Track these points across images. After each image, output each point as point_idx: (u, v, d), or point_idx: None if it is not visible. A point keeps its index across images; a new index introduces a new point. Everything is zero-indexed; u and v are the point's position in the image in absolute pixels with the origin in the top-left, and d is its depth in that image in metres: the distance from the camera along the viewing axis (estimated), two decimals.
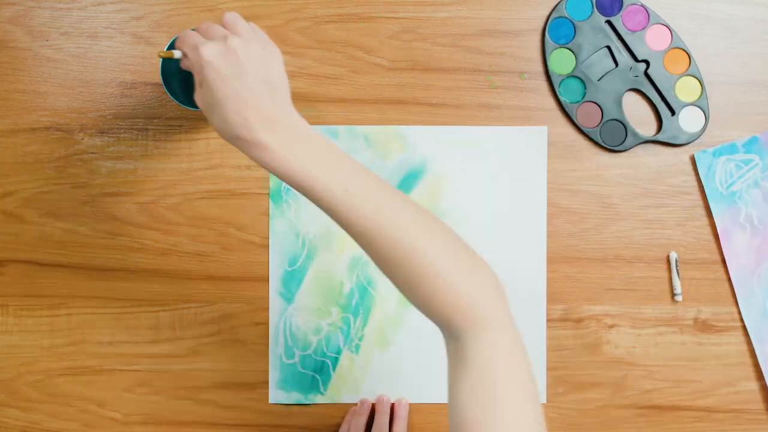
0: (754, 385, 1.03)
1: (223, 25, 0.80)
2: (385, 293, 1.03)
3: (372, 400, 1.03)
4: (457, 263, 0.77)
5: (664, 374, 1.04)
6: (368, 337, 1.04)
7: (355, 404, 1.03)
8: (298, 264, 1.03)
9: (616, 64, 1.03)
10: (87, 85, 1.04)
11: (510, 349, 0.76)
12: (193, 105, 0.95)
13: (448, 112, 1.04)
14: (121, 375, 1.04)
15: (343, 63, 1.04)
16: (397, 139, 1.04)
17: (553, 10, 1.04)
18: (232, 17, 0.80)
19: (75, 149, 1.04)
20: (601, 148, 1.04)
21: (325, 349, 1.04)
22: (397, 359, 1.04)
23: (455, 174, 1.04)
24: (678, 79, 1.03)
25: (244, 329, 1.04)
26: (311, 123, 1.02)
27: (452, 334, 0.77)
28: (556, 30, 1.04)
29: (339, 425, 1.04)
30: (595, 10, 1.03)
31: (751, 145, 1.03)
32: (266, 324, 1.04)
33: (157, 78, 1.02)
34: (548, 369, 1.03)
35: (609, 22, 1.03)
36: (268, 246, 1.04)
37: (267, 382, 1.04)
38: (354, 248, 1.03)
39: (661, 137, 1.03)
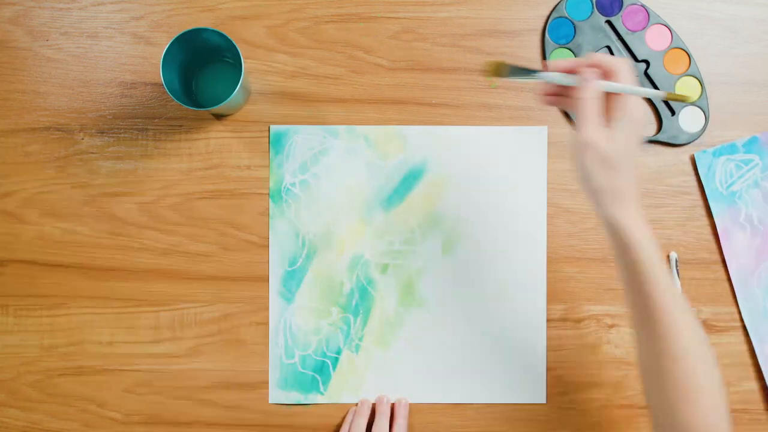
0: (754, 385, 1.03)
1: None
2: (385, 293, 1.04)
3: (372, 400, 1.03)
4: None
5: None
6: (368, 337, 1.04)
7: (355, 404, 1.03)
8: (298, 264, 1.04)
9: None
10: (87, 85, 1.04)
11: None
12: (193, 105, 0.95)
13: (448, 112, 1.04)
14: (121, 375, 1.04)
15: (343, 63, 1.04)
16: (397, 139, 1.04)
17: (553, 10, 1.04)
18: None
19: (75, 149, 1.04)
20: None
21: (325, 349, 1.04)
22: (397, 359, 1.04)
23: (455, 174, 1.04)
24: (678, 79, 1.03)
25: (244, 329, 1.04)
26: (311, 123, 1.03)
27: None
28: (556, 30, 1.04)
29: (339, 425, 1.04)
30: (595, 10, 1.03)
31: (751, 145, 1.03)
32: (266, 324, 1.04)
33: (158, 78, 1.02)
34: (548, 369, 1.03)
35: (609, 22, 1.03)
36: (268, 246, 1.04)
37: (267, 382, 1.04)
38: (354, 248, 1.03)
39: (661, 137, 1.03)
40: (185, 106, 0.94)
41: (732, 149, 1.03)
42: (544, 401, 1.03)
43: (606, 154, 0.81)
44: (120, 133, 1.04)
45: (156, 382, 1.04)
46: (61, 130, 1.04)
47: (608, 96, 0.83)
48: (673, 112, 1.03)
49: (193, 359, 1.04)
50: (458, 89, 1.04)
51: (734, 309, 1.03)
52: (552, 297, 1.04)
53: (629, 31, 1.03)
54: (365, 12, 1.04)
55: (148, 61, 1.04)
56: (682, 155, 1.04)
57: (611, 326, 1.04)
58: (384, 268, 1.04)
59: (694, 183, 1.04)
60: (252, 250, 1.04)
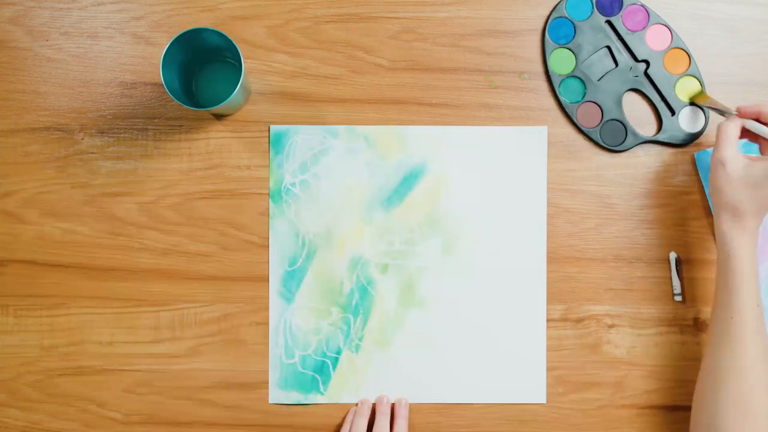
0: None
1: None
2: (385, 293, 1.04)
3: (372, 400, 1.03)
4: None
5: (664, 374, 1.03)
6: (368, 337, 1.04)
7: (355, 404, 1.03)
8: (298, 264, 1.03)
9: (616, 64, 1.03)
10: (87, 85, 1.04)
11: None
12: (193, 105, 0.95)
13: (448, 112, 1.04)
14: (121, 375, 1.04)
15: (343, 63, 1.04)
16: (397, 139, 1.04)
17: (553, 10, 1.04)
18: None
19: (75, 149, 1.04)
20: (601, 148, 1.04)
21: (325, 349, 1.04)
22: (397, 359, 1.04)
23: (455, 174, 1.04)
24: (678, 79, 1.03)
25: (244, 329, 1.04)
26: (311, 123, 1.03)
27: None
28: (556, 30, 1.04)
29: (339, 425, 1.03)
30: (595, 10, 1.03)
31: (750, 145, 1.03)
32: (266, 324, 1.04)
33: (158, 78, 1.02)
34: (548, 369, 1.03)
35: (609, 22, 1.03)
36: (268, 246, 1.04)
37: (267, 382, 1.04)
38: (354, 248, 1.03)
39: (661, 137, 1.03)
40: (185, 106, 0.94)
41: None
42: (544, 401, 1.03)
43: (736, 177, 0.93)
44: (120, 133, 1.04)
45: (156, 382, 1.04)
46: (61, 130, 1.04)
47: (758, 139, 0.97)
48: (673, 112, 1.03)
49: (193, 359, 1.04)
50: (458, 89, 1.04)
51: None
52: (552, 297, 1.04)
53: (629, 31, 1.03)
54: (365, 12, 1.04)
55: (148, 61, 1.04)
56: (682, 155, 1.04)
57: (611, 326, 1.04)
58: (384, 268, 1.04)
59: (694, 183, 1.04)
60: (252, 250, 1.04)
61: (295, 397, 1.03)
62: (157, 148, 1.04)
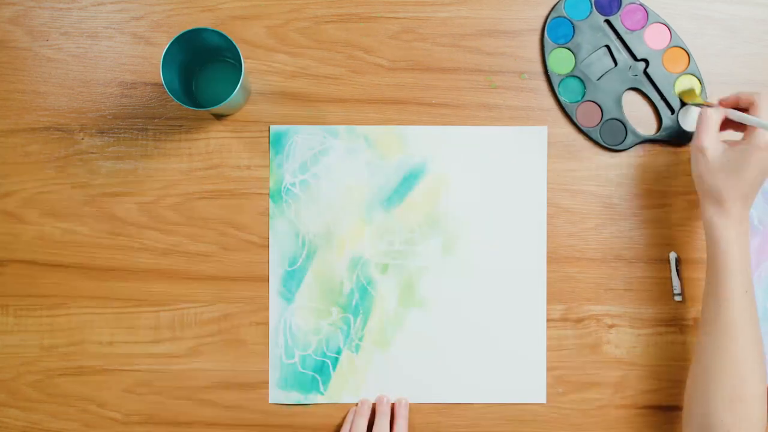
0: None
1: None
2: (385, 293, 1.03)
3: (372, 400, 1.03)
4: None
5: (664, 374, 1.03)
6: (368, 337, 1.04)
7: (355, 404, 1.03)
8: (298, 264, 1.03)
9: (616, 63, 1.03)
10: (87, 85, 1.04)
11: None
12: (193, 105, 0.95)
13: (448, 112, 1.04)
14: (121, 375, 1.04)
15: (343, 63, 1.04)
16: (397, 139, 1.04)
17: (551, 9, 1.04)
18: None
19: (75, 149, 1.04)
20: (601, 147, 1.04)
21: (325, 349, 1.04)
22: (397, 359, 1.04)
23: (455, 174, 1.04)
24: (677, 77, 1.03)
25: (244, 329, 1.04)
26: (311, 123, 1.03)
27: None
28: (555, 30, 1.04)
29: (339, 425, 1.03)
30: (594, 9, 1.03)
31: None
32: (266, 324, 1.04)
33: (158, 78, 1.02)
34: (548, 369, 1.03)
35: (608, 22, 1.03)
36: (268, 246, 1.04)
37: (267, 382, 1.04)
38: (354, 248, 1.03)
39: (661, 136, 1.03)
40: (185, 106, 0.94)
41: None
42: (544, 401, 1.03)
43: (715, 163, 0.93)
44: (120, 133, 1.04)
45: (156, 382, 1.04)
46: (61, 130, 1.04)
47: (746, 127, 0.95)
48: (672, 111, 1.03)
49: (193, 359, 1.04)
50: (458, 89, 1.04)
51: None
52: (552, 297, 1.04)
53: (628, 30, 1.03)
54: (365, 12, 1.05)
55: (148, 61, 1.04)
56: (682, 155, 1.04)
57: (611, 326, 1.04)
58: (384, 268, 1.04)
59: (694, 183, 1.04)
60: (252, 250, 1.04)
61: (295, 397, 1.03)
62: (157, 148, 1.04)
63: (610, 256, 1.04)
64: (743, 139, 0.94)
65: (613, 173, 1.04)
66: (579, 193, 1.04)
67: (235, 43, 0.93)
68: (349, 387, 1.04)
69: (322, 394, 1.03)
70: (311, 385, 1.03)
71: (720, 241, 0.92)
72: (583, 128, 1.03)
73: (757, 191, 0.94)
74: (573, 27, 1.03)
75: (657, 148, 1.04)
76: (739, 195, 0.92)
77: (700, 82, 1.03)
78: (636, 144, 1.03)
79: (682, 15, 1.04)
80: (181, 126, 1.04)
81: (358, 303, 1.04)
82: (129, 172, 1.04)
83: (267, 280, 1.04)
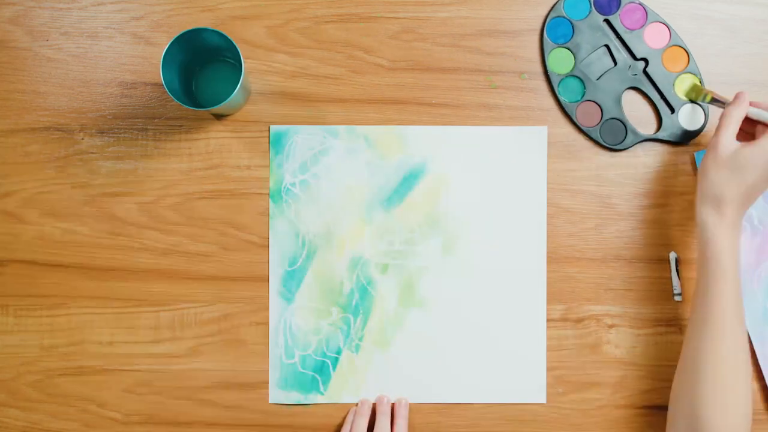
0: (754, 385, 1.03)
1: None
2: (385, 293, 1.03)
3: (372, 400, 1.03)
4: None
5: (664, 374, 1.03)
6: (368, 337, 1.04)
7: (355, 404, 1.03)
8: (298, 264, 1.04)
9: (615, 62, 1.03)
10: (87, 85, 1.04)
11: None
12: (193, 105, 0.95)
13: (448, 112, 1.04)
14: (121, 375, 1.04)
15: (343, 63, 1.04)
16: (397, 139, 1.04)
17: (551, 9, 1.04)
18: None
19: (75, 149, 1.04)
20: (601, 147, 1.04)
21: (325, 349, 1.04)
22: (397, 359, 1.04)
23: (455, 174, 1.04)
24: (677, 76, 1.03)
25: (244, 329, 1.04)
26: (311, 123, 1.03)
27: None
28: (555, 29, 1.04)
29: (339, 425, 1.03)
30: (593, 9, 1.03)
31: None
32: (266, 324, 1.04)
33: (158, 78, 1.02)
34: (548, 369, 1.03)
35: (607, 21, 1.03)
36: (268, 246, 1.04)
37: (267, 382, 1.04)
38: (354, 248, 1.03)
39: (661, 135, 1.03)
40: (185, 106, 0.94)
41: None
42: (544, 401, 1.03)
43: (723, 160, 0.93)
44: (120, 133, 1.04)
45: (156, 382, 1.04)
46: (61, 130, 1.04)
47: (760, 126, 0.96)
48: (672, 110, 1.03)
49: (193, 359, 1.04)
50: (458, 89, 1.04)
51: None
52: (552, 297, 1.04)
53: (627, 30, 1.03)
54: (365, 12, 1.05)
55: (148, 61, 1.04)
56: (682, 155, 1.04)
57: (611, 326, 1.04)
58: (384, 268, 1.04)
59: (694, 183, 1.04)
60: (252, 250, 1.04)
61: (295, 397, 1.03)
62: (157, 148, 1.04)
63: (610, 256, 1.04)
64: (756, 139, 0.95)
65: (613, 173, 1.04)
66: (579, 193, 1.04)
67: (235, 43, 0.93)
68: (349, 387, 1.04)
69: (322, 394, 1.03)
70: (311, 385, 1.03)
71: (711, 242, 0.92)
72: (583, 128, 1.03)
73: (756, 198, 0.94)
74: (572, 27, 1.04)
75: (657, 148, 1.04)
76: (738, 197, 0.92)
77: (700, 82, 1.03)
78: (636, 143, 1.03)
79: (681, 15, 1.04)
80: (181, 126, 1.04)
81: (358, 303, 1.04)
82: (129, 172, 1.04)
83: (267, 280, 1.04)
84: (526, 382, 1.03)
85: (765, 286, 1.03)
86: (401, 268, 1.04)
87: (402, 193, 1.04)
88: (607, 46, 1.03)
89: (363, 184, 1.04)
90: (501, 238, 1.04)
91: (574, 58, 1.03)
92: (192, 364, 1.04)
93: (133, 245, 1.04)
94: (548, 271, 1.04)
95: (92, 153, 1.04)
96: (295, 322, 1.03)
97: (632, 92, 1.04)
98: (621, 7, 1.03)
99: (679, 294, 1.03)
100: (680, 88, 1.04)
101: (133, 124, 1.04)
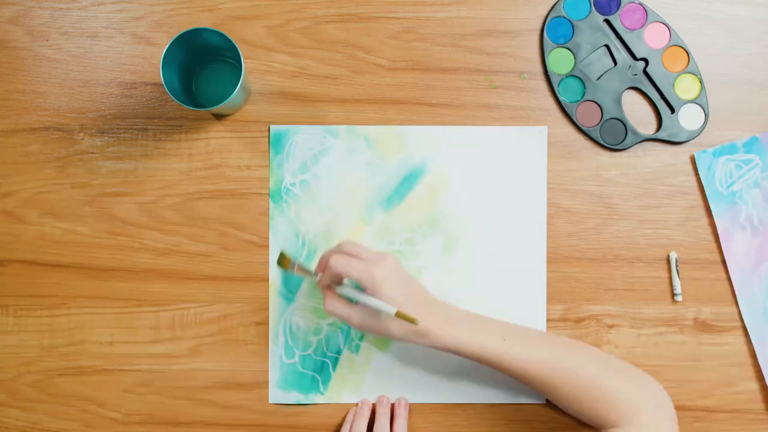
0: (754, 385, 1.03)
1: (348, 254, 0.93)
2: None
3: (372, 400, 1.03)
4: (616, 374, 0.92)
5: (664, 374, 1.03)
6: (368, 337, 1.04)
7: (355, 404, 1.03)
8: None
9: (615, 62, 1.03)
10: (87, 85, 1.04)
11: None
12: (193, 105, 0.95)
13: (448, 112, 1.04)
14: (121, 375, 1.04)
15: (343, 63, 1.04)
16: (398, 139, 1.04)
17: (551, 9, 1.04)
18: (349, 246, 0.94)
19: (75, 149, 1.04)
20: (601, 147, 1.04)
21: (325, 349, 1.04)
22: (397, 359, 1.04)
23: (455, 174, 1.04)
24: (677, 76, 1.03)
25: (244, 329, 1.04)
26: (311, 123, 1.03)
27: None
28: (555, 29, 1.04)
29: (339, 425, 1.03)
30: (593, 9, 1.03)
31: (751, 145, 1.03)
32: (266, 324, 1.04)
33: (158, 78, 1.03)
34: None
35: (607, 21, 1.03)
36: (268, 246, 1.04)
37: (267, 382, 1.03)
38: None
39: (661, 135, 1.03)
40: (185, 106, 0.94)
41: (732, 149, 1.03)
42: (544, 401, 1.03)
43: (365, 321, 0.92)
44: (120, 133, 1.04)
45: (156, 382, 1.04)
46: (61, 130, 1.04)
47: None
48: (672, 110, 1.03)
49: (193, 359, 1.04)
50: (458, 89, 1.04)
51: (734, 309, 1.03)
52: (552, 297, 1.04)
53: (627, 30, 1.03)
54: (365, 12, 1.05)
55: (148, 61, 1.04)
56: (682, 155, 1.04)
57: (611, 326, 1.03)
58: None
59: (694, 183, 1.04)
60: (252, 250, 1.04)
61: (295, 397, 1.03)
62: (157, 148, 1.04)
63: (610, 256, 1.04)
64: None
65: (613, 173, 1.04)
66: (579, 193, 1.04)
67: (235, 43, 0.93)
68: (349, 387, 1.04)
69: (322, 394, 1.03)
70: (311, 385, 1.03)
71: (458, 345, 0.90)
72: (583, 128, 1.03)
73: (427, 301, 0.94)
74: (572, 27, 1.04)
75: (657, 147, 1.04)
76: (426, 317, 0.90)
77: (700, 80, 1.03)
78: (636, 143, 1.03)
79: (681, 15, 1.04)
80: (181, 126, 1.04)
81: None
82: (129, 172, 1.04)
83: (267, 280, 1.04)
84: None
85: (765, 286, 1.03)
86: None
87: (402, 193, 1.04)
88: (607, 46, 1.03)
89: (363, 184, 1.04)
90: (501, 238, 1.04)
91: (574, 58, 1.03)
92: (192, 364, 1.04)
93: (133, 245, 1.04)
94: (548, 271, 1.04)
95: (92, 153, 1.04)
96: (295, 322, 1.03)
97: (632, 92, 1.04)
98: (621, 7, 1.03)
99: (680, 294, 1.03)
100: (682, 89, 1.04)
101: (133, 124, 1.04)
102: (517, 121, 1.04)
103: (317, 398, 1.03)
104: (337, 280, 0.93)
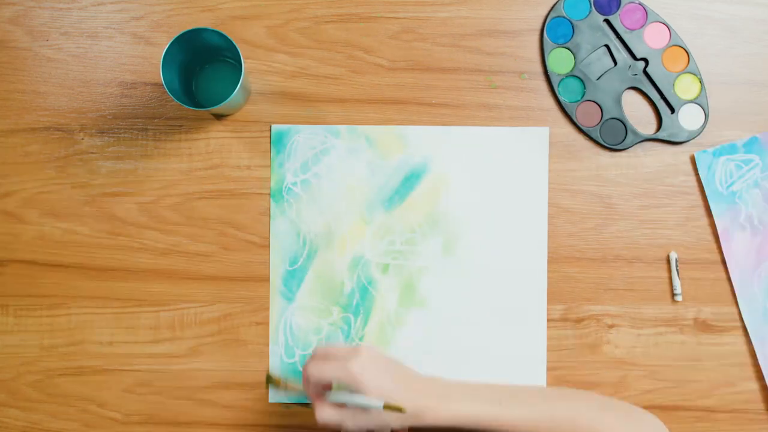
0: (754, 385, 1.03)
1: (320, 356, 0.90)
2: (386, 293, 1.03)
3: None
4: (613, 415, 0.91)
5: (664, 374, 1.03)
6: (368, 337, 1.04)
7: None
8: (299, 263, 1.03)
9: (615, 62, 1.03)
10: (87, 85, 1.04)
11: None
12: (193, 105, 0.95)
13: (448, 112, 1.04)
14: (121, 375, 1.04)
15: (343, 63, 1.04)
16: (398, 139, 1.04)
17: (551, 9, 1.04)
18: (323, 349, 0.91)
19: (75, 149, 1.04)
20: (601, 147, 1.04)
21: None
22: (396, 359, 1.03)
23: (456, 174, 1.04)
24: (677, 76, 1.03)
25: (244, 329, 1.04)
26: (311, 123, 1.03)
27: None
28: (555, 29, 1.04)
29: None
30: (593, 9, 1.04)
31: (751, 145, 1.03)
32: (266, 324, 1.04)
33: (158, 78, 1.03)
34: (548, 369, 1.03)
35: (607, 21, 1.03)
36: (268, 246, 1.04)
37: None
38: (355, 248, 1.03)
39: (661, 135, 1.03)
40: (185, 106, 0.94)
41: (732, 149, 1.03)
42: None
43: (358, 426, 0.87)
44: (120, 133, 1.04)
45: (156, 382, 1.04)
46: (61, 130, 1.04)
47: None
48: (672, 110, 1.03)
49: (193, 359, 1.04)
50: (458, 89, 1.04)
51: (734, 309, 1.03)
52: (552, 297, 1.04)
53: (627, 30, 1.03)
54: (365, 12, 1.05)
55: (148, 61, 1.04)
56: (682, 155, 1.04)
57: (611, 326, 1.03)
58: (385, 268, 1.04)
59: (694, 183, 1.04)
60: (252, 250, 1.04)
61: (295, 396, 1.03)
62: (157, 148, 1.04)
63: (610, 256, 1.04)
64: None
65: (613, 173, 1.04)
66: (579, 193, 1.04)
67: (235, 43, 0.93)
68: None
69: None
70: None
71: (456, 418, 0.88)
72: (583, 128, 1.03)
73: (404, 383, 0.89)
74: (572, 27, 1.04)
75: (657, 147, 1.04)
76: (413, 399, 0.87)
77: (699, 80, 1.03)
78: (636, 143, 1.03)
79: (681, 15, 1.04)
80: (181, 126, 1.04)
81: (358, 303, 1.04)
82: (129, 172, 1.04)
83: (267, 280, 1.04)
84: (526, 382, 1.03)
85: (765, 286, 1.03)
86: (402, 268, 1.04)
87: (403, 193, 1.04)
88: (607, 46, 1.03)
89: (364, 183, 1.04)
90: (501, 238, 1.04)
91: (574, 58, 1.03)
92: (192, 364, 1.04)
93: (132, 245, 1.04)
94: (548, 271, 1.04)
95: (92, 153, 1.04)
96: (295, 322, 1.03)
97: (632, 92, 1.04)
98: (621, 7, 1.03)
99: (680, 294, 1.03)
100: (682, 89, 1.03)
101: (133, 124, 1.04)
102: (517, 122, 1.04)
103: None
104: (325, 387, 0.89)
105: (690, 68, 1.03)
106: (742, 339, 1.03)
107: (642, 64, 1.03)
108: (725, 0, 1.05)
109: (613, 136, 1.03)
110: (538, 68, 1.04)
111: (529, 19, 1.05)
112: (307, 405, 1.03)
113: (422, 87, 1.04)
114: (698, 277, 1.04)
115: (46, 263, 1.04)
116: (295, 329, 1.03)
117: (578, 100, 1.03)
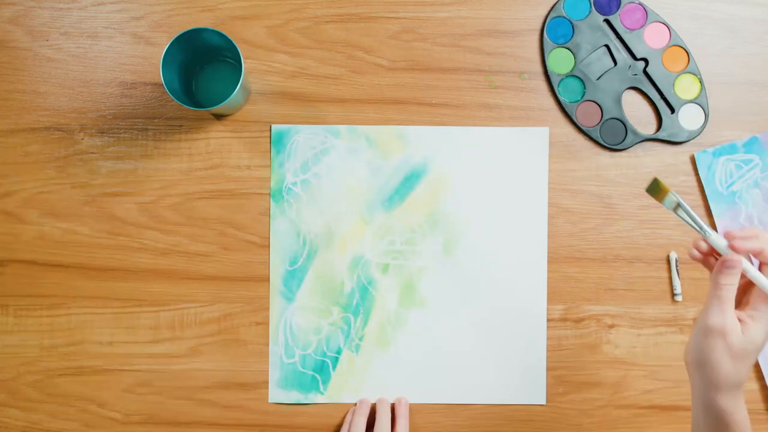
0: (754, 385, 1.03)
1: None
2: (386, 293, 1.03)
3: (372, 400, 1.03)
4: None
5: (664, 374, 1.03)
6: (368, 337, 1.04)
7: (355, 404, 1.03)
8: (299, 263, 1.03)
9: (615, 62, 1.03)
10: (87, 85, 1.04)
11: None
12: (193, 105, 0.95)
13: (448, 112, 1.04)
14: (121, 375, 1.04)
15: (343, 63, 1.04)
16: (398, 139, 1.04)
17: (551, 9, 1.04)
18: None
19: (75, 149, 1.04)
20: (601, 147, 1.04)
21: (325, 349, 1.04)
22: (397, 359, 1.04)
23: (456, 174, 1.04)
24: (677, 76, 1.03)
25: (244, 329, 1.04)
26: (311, 123, 1.03)
27: None
28: (555, 29, 1.04)
29: (339, 425, 1.03)
30: (593, 9, 1.04)
31: (751, 145, 1.03)
32: (266, 324, 1.04)
33: (158, 78, 1.02)
34: (548, 369, 1.03)
35: (607, 21, 1.03)
36: (268, 246, 1.04)
37: (267, 382, 1.03)
38: (355, 248, 1.03)
39: (661, 135, 1.03)
40: (185, 106, 0.94)
41: (732, 149, 1.03)
42: (544, 402, 1.03)
43: (737, 347, 0.76)
44: (120, 133, 1.04)
45: (156, 382, 1.04)
46: (61, 130, 1.04)
47: (751, 284, 0.80)
48: (672, 110, 1.03)
49: (193, 359, 1.04)
50: (458, 89, 1.04)
51: None
52: (552, 297, 1.04)
53: (627, 30, 1.03)
54: (365, 12, 1.05)
55: (148, 61, 1.04)
56: (682, 155, 1.04)
57: (611, 326, 1.03)
58: (385, 268, 1.04)
59: (694, 183, 1.04)
60: (252, 250, 1.04)
61: (294, 396, 1.03)
62: (157, 148, 1.04)
63: (610, 256, 1.04)
64: (750, 305, 0.79)
65: (613, 173, 1.04)
66: (579, 193, 1.04)
67: (235, 43, 0.93)
68: (349, 387, 1.04)
69: (322, 393, 1.03)
70: (311, 385, 1.03)
71: (733, 424, 0.80)
72: (583, 128, 1.03)
73: None
74: (572, 27, 1.04)
75: (657, 147, 1.04)
76: (751, 369, 0.83)
77: (699, 80, 1.03)
78: (636, 143, 1.03)
79: (681, 15, 1.04)
80: (181, 126, 1.04)
81: (358, 303, 1.04)
82: (129, 172, 1.04)
83: (267, 280, 1.04)
84: (526, 382, 1.03)
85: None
86: (402, 268, 1.04)
87: (403, 193, 1.04)
88: (607, 46, 1.03)
89: (364, 183, 1.04)
90: (501, 238, 1.04)
91: (574, 58, 1.03)
92: (192, 364, 1.04)
93: (132, 245, 1.04)
94: (548, 271, 1.04)
95: (92, 153, 1.04)
96: (295, 322, 1.03)
97: (632, 92, 1.04)
98: (621, 7, 1.03)
99: (680, 294, 1.03)
100: (682, 89, 1.03)
101: (133, 124, 1.04)
102: (517, 122, 1.04)
103: (317, 398, 1.03)
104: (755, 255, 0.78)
105: (690, 68, 1.03)
106: None
107: (642, 64, 1.03)
108: (725, 0, 1.05)
109: (613, 136, 1.03)
110: (538, 68, 1.04)
111: (529, 19, 1.05)
112: (307, 405, 1.04)
113: (422, 87, 1.04)
114: (698, 277, 1.04)
115: (46, 263, 1.04)
116: (295, 329, 1.03)
117: (578, 100, 1.03)
